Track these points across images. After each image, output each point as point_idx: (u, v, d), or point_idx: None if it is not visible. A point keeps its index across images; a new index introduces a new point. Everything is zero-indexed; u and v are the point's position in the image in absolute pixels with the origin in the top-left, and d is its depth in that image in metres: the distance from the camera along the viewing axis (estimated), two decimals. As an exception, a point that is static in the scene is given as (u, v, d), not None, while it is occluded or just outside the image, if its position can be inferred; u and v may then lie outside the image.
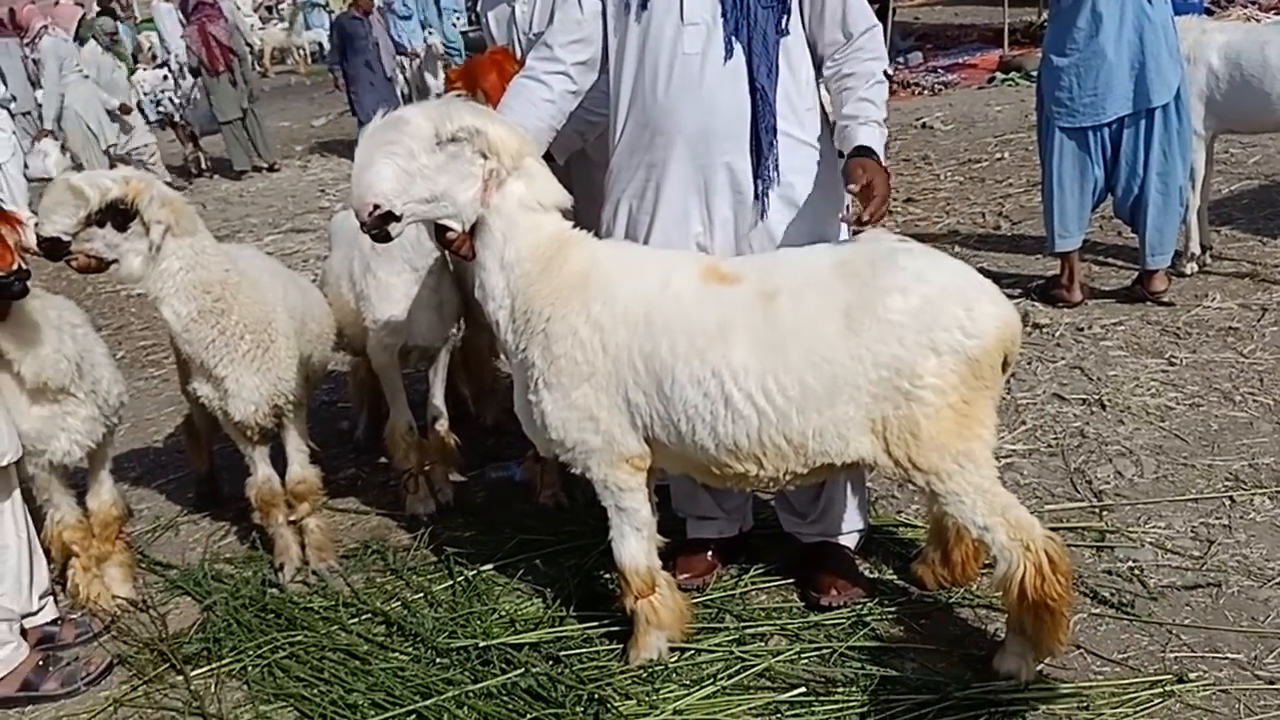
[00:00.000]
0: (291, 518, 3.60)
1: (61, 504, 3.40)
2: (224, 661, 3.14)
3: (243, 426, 3.40)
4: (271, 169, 12.04)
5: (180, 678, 3.12)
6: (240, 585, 3.55)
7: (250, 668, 3.10)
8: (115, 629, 3.41)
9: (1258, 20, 5.91)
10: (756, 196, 2.81)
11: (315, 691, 2.94)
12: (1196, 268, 5.34)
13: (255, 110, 12.02)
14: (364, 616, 3.29)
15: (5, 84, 11.22)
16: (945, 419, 2.47)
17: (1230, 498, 3.44)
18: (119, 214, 2.94)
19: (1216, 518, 3.34)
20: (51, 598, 3.41)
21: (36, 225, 2.94)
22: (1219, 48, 4.96)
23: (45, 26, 10.68)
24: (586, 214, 3.00)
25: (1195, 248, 5.33)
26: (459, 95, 2.67)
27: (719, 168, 2.80)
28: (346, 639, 3.17)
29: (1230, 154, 7.10)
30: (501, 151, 2.53)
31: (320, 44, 22.07)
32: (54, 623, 3.37)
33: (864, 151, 2.69)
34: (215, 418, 3.53)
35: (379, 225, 2.54)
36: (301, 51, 22.24)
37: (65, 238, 2.91)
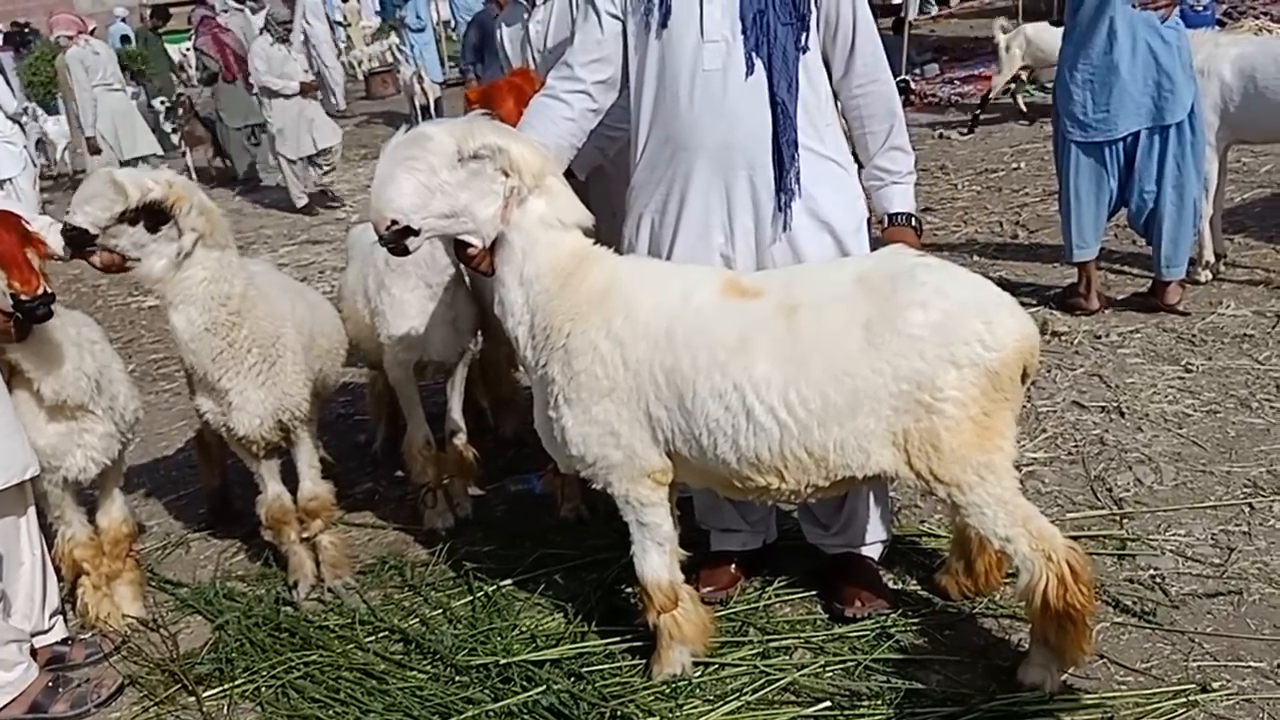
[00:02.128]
0: (304, 535, 3.57)
1: (73, 521, 3.39)
2: (237, 682, 3.11)
3: (246, 442, 3.36)
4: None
5: (192, 699, 3.09)
6: (253, 603, 3.52)
7: (264, 688, 3.06)
8: (126, 649, 3.38)
9: (1269, 32, 5.92)
10: (779, 209, 2.81)
11: (331, 713, 2.91)
12: (1211, 275, 5.35)
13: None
14: (381, 634, 3.26)
15: (15, 96, 11.21)
16: (966, 431, 2.47)
17: (1249, 504, 3.43)
18: (154, 215, 2.91)
19: (1236, 525, 3.33)
20: (61, 617, 3.39)
21: (67, 214, 2.90)
22: (1232, 60, 4.98)
23: (71, 36, 10.62)
24: (606, 230, 3.01)
25: (1209, 255, 5.34)
26: (484, 114, 2.67)
27: (741, 181, 2.81)
28: (363, 658, 3.14)
29: (1242, 163, 7.11)
30: (523, 169, 2.54)
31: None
32: (64, 642, 3.34)
33: (902, 218, 2.92)
34: (226, 433, 3.52)
35: (396, 239, 2.55)
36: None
37: (94, 230, 2.86)
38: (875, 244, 2.87)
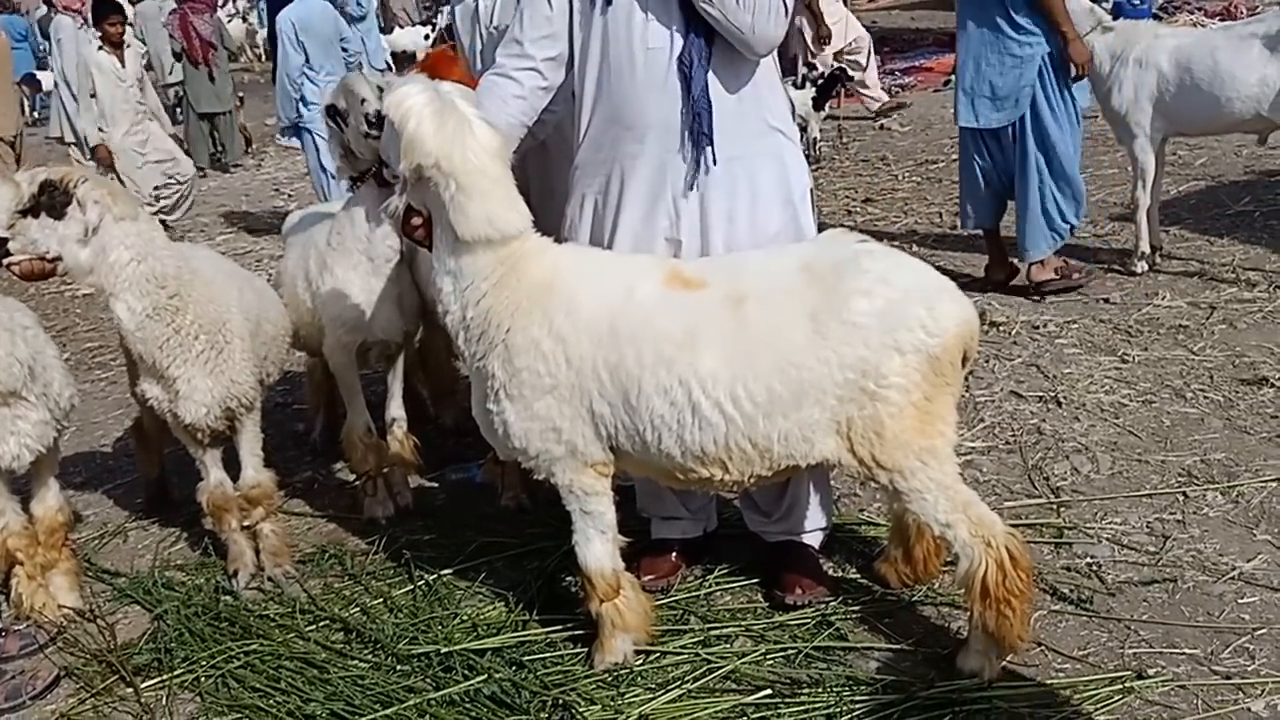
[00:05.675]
0: (245, 523, 3.53)
1: (6, 510, 3.30)
2: (176, 672, 3.06)
3: (193, 429, 3.32)
4: (227, 169, 11.79)
5: (130, 690, 3.03)
6: (192, 593, 3.46)
7: (203, 678, 3.01)
8: (62, 640, 3.30)
9: (1204, 26, 6.05)
10: (722, 186, 2.81)
11: (271, 702, 2.87)
12: (1146, 266, 5.45)
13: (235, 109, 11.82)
14: (322, 623, 3.23)
15: None
16: (909, 417, 2.49)
17: (1184, 493, 3.49)
18: (54, 201, 2.89)
19: (1171, 513, 3.39)
20: (-6, 608, 3.32)
21: None
22: (1170, 52, 5.08)
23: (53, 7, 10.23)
24: (545, 210, 2.97)
25: (1145, 247, 5.43)
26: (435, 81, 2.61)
27: (685, 160, 2.79)
28: (304, 647, 3.10)
29: (1178, 155, 7.25)
30: (406, 152, 2.43)
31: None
32: (-4, 634, 3.27)
33: None
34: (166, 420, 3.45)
35: None
36: (256, 49, 21.77)
37: (2, 232, 2.86)
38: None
